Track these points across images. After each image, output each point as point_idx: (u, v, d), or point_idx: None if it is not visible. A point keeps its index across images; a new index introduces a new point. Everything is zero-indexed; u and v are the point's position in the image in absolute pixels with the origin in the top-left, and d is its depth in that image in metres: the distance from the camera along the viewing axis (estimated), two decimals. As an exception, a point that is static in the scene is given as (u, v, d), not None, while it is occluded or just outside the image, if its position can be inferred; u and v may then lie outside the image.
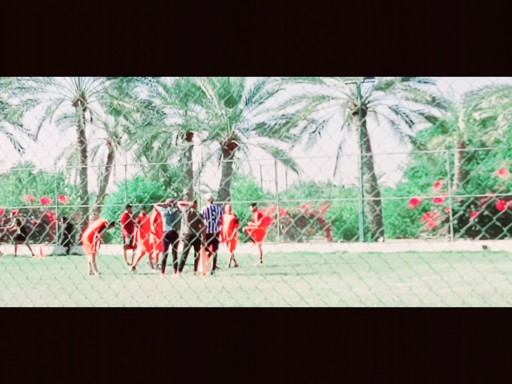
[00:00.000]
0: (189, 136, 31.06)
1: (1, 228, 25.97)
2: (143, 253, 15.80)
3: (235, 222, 16.36)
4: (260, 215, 17.39)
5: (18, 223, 25.71)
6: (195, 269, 14.02)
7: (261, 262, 16.68)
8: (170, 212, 14.10)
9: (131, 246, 17.88)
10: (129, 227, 17.91)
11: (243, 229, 17.56)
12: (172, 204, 14.35)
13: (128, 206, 18.85)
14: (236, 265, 16.28)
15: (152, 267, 15.75)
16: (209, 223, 14.34)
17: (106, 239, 27.43)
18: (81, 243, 16.47)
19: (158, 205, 15.20)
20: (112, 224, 16.89)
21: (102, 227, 15.24)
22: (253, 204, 18.27)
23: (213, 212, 14.52)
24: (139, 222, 16.55)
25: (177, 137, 31.48)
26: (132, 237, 17.57)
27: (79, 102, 30.68)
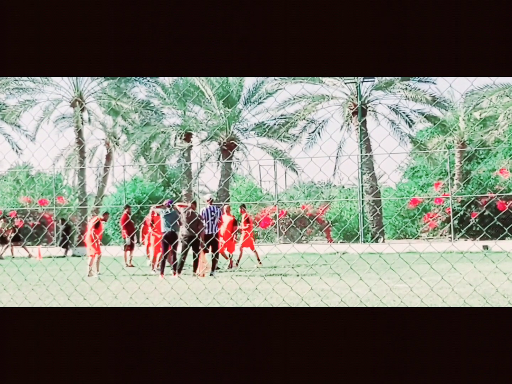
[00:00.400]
0: (187, 137, 31.01)
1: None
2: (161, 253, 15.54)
3: (233, 223, 16.19)
4: (247, 218, 16.96)
5: (13, 229, 25.62)
6: (194, 270, 13.98)
7: (260, 263, 16.59)
8: (168, 213, 14.06)
9: (131, 247, 17.89)
10: (129, 228, 17.94)
11: (240, 248, 17.01)
12: (170, 205, 14.31)
13: (127, 207, 18.83)
14: (230, 265, 16.23)
15: (153, 269, 15.68)
16: (208, 224, 14.28)
17: (105, 241, 27.39)
18: (84, 245, 16.45)
19: (157, 207, 15.14)
20: (106, 214, 16.74)
21: (97, 223, 15.28)
22: (242, 206, 17.78)
23: (212, 213, 14.46)
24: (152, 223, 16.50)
25: (175, 138, 31.45)
26: (132, 237, 17.59)
27: (77, 102, 30.63)
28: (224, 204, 19.17)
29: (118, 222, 26.92)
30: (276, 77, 28.66)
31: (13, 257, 23.91)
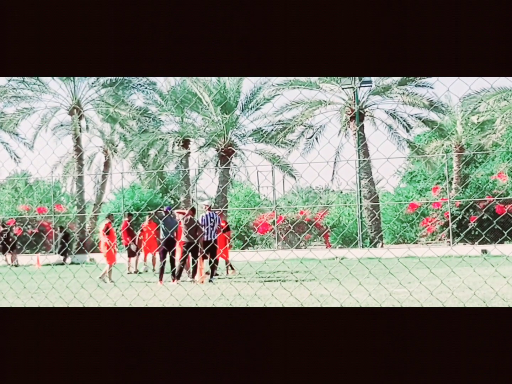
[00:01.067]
0: (185, 143, 31.01)
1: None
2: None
3: (226, 229, 16.03)
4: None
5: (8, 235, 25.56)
6: (193, 276, 13.94)
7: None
8: (168, 220, 14.05)
9: (134, 253, 17.91)
10: (130, 235, 17.99)
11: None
12: (169, 212, 14.29)
13: (129, 214, 18.90)
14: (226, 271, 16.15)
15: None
16: (207, 230, 14.23)
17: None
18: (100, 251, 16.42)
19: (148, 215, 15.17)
20: (110, 215, 16.47)
21: (106, 228, 15.16)
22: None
23: (211, 219, 14.41)
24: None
25: (173, 144, 31.43)
26: (134, 243, 17.63)
27: (75, 110, 30.61)
28: (222, 211, 19.10)
29: (116, 229, 26.88)
30: (273, 83, 28.71)
31: (14, 265, 23.86)
